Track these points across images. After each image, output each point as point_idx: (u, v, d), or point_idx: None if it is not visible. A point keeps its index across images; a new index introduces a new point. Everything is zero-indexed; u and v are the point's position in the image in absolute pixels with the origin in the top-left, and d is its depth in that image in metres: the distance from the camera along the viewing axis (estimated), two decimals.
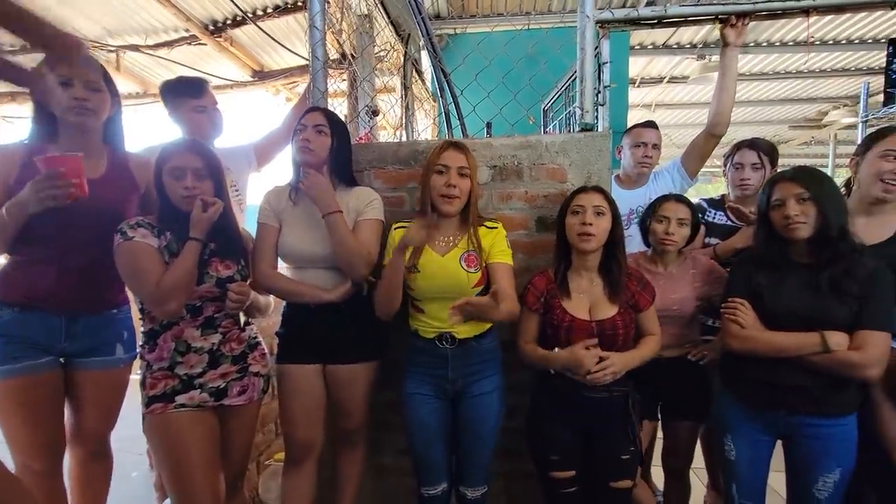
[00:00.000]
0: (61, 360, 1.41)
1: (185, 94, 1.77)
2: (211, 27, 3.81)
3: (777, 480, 1.42)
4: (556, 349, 1.36)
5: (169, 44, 3.95)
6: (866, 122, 2.94)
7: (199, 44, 3.89)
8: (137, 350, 1.47)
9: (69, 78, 1.32)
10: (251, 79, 4.52)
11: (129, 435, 1.37)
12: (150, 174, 1.49)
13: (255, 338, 1.46)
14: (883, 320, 1.22)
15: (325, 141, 1.43)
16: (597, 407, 1.37)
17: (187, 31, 3.77)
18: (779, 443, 1.39)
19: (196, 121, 1.77)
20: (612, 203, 1.37)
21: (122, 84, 4.59)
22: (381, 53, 2.82)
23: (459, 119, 1.98)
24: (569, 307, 1.37)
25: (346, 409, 1.51)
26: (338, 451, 1.60)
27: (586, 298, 1.39)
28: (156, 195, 1.34)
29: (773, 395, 1.31)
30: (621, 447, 1.38)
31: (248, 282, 1.40)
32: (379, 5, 2.59)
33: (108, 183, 1.41)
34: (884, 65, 2.60)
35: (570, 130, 2.59)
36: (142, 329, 1.35)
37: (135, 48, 3.97)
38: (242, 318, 1.41)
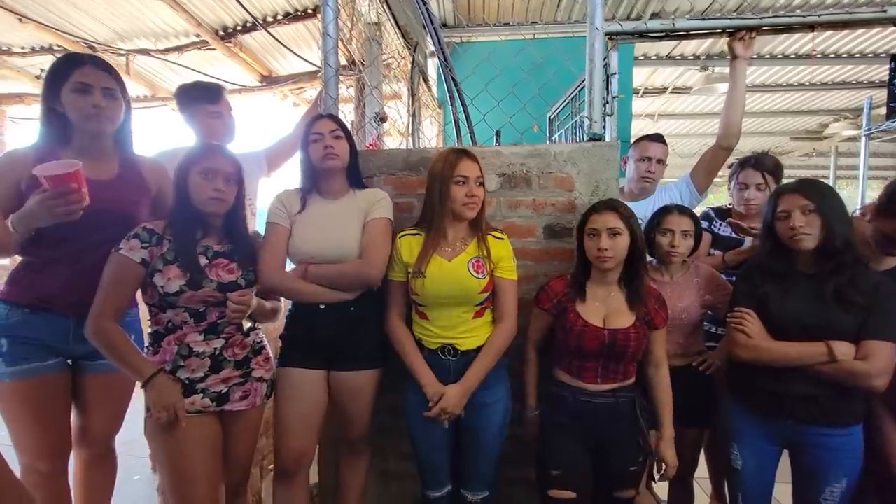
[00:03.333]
0: (69, 362, 1.42)
1: (202, 99, 1.79)
2: (221, 33, 3.86)
3: (780, 491, 1.42)
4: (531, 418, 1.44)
5: (179, 48, 4.00)
6: (869, 135, 2.96)
7: (209, 49, 3.94)
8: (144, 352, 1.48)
9: (88, 85, 1.33)
10: (259, 84, 4.56)
11: (131, 438, 1.36)
12: (162, 177, 1.51)
13: (260, 342, 1.45)
14: (888, 330, 1.23)
15: (345, 146, 1.47)
16: (603, 414, 1.37)
17: (198, 35, 3.82)
18: (783, 453, 1.39)
19: (211, 126, 1.79)
20: (627, 219, 1.35)
21: (132, 87, 4.63)
22: (390, 61, 2.85)
23: (469, 127, 2.00)
24: (583, 312, 1.37)
25: (351, 418, 1.50)
26: (341, 458, 1.60)
27: (602, 307, 1.38)
28: (171, 197, 1.34)
29: (780, 404, 1.32)
30: (630, 458, 1.38)
31: (253, 288, 1.39)
32: (388, 13, 2.63)
33: (119, 185, 1.42)
34: (885, 78, 2.62)
35: (576, 139, 2.61)
36: (148, 330, 1.35)
37: (145, 52, 4.02)
38: (246, 324, 1.40)
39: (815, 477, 1.31)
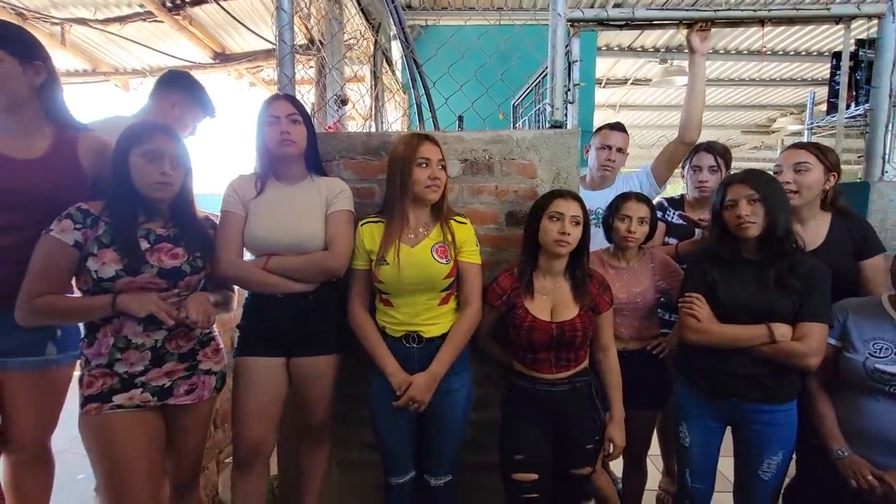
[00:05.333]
0: None
1: (200, 109, 1.74)
2: (168, 4, 3.60)
3: (724, 464, 1.50)
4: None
5: (121, 19, 3.70)
6: (811, 129, 3.14)
7: (155, 21, 3.67)
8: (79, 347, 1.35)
9: None
10: (212, 61, 4.31)
11: (74, 435, 1.29)
12: (105, 156, 1.37)
13: (209, 333, 1.38)
14: (822, 313, 1.32)
15: (302, 130, 1.41)
16: (561, 399, 1.41)
17: (142, 6, 3.54)
18: (727, 429, 1.47)
19: (174, 119, 1.68)
20: (585, 212, 1.40)
21: (69, 60, 4.27)
22: (351, 41, 2.75)
23: (431, 111, 1.96)
24: (531, 308, 1.40)
25: (311, 404, 1.47)
26: (302, 446, 1.57)
27: (549, 299, 1.42)
28: (110, 176, 1.22)
29: (725, 384, 1.39)
30: (586, 437, 1.43)
31: (200, 274, 1.32)
32: None
33: (45, 166, 1.28)
34: (827, 76, 2.77)
35: (539, 127, 2.63)
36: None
37: (83, 22, 3.70)
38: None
39: (755, 450, 1.39)
